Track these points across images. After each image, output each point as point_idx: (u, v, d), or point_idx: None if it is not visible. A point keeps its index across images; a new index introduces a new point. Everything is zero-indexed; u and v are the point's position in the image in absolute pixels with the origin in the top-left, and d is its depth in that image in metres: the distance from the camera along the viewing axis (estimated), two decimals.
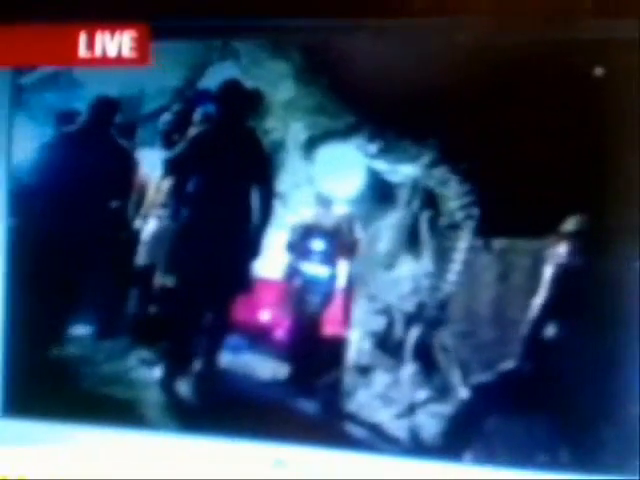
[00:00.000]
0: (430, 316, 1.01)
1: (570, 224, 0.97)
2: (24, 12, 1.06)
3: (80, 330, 1.13)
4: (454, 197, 1.00)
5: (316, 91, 1.05)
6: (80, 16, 1.05)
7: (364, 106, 1.02)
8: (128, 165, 1.12)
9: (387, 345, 1.03)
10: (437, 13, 1.00)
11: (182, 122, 1.11)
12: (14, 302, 1.12)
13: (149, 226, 1.12)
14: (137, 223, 1.12)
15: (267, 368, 1.07)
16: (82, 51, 1.06)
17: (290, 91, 1.06)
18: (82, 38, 1.06)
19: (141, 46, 1.05)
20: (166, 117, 1.11)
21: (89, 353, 1.12)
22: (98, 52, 1.06)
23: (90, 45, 1.06)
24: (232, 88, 1.08)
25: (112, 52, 1.06)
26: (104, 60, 1.06)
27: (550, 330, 0.98)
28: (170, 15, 1.04)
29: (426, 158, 1.01)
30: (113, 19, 1.05)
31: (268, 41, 1.05)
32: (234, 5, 1.03)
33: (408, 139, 1.01)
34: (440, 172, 1.01)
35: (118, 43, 1.05)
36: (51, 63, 1.09)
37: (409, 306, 1.02)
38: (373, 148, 1.03)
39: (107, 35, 1.05)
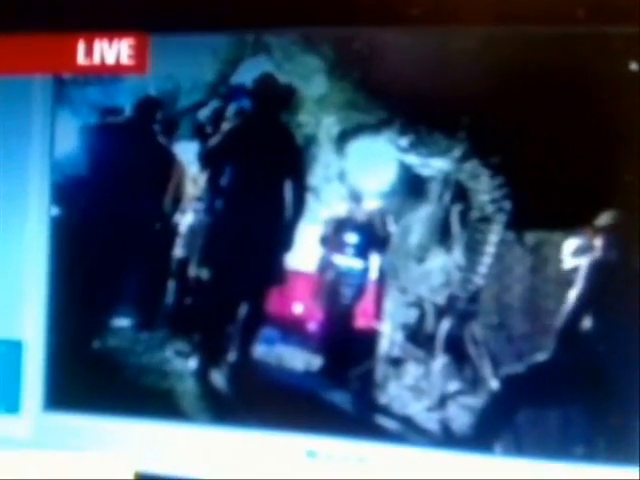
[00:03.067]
0: (461, 308, 1.04)
1: (605, 218, 0.99)
2: (22, 21, 1.10)
3: (121, 322, 1.17)
4: (485, 190, 1.03)
5: (348, 86, 1.08)
6: (79, 24, 1.09)
7: (395, 100, 1.05)
8: (167, 160, 1.16)
9: (418, 337, 1.06)
10: (435, 20, 1.02)
11: (217, 117, 1.14)
12: (56, 294, 1.17)
13: (186, 219, 1.16)
14: (175, 216, 1.16)
15: (300, 360, 1.10)
16: (81, 59, 1.11)
17: (322, 86, 1.09)
18: (81, 46, 1.10)
19: (139, 54, 1.09)
20: (202, 112, 1.14)
21: (129, 345, 1.16)
22: (96, 60, 1.10)
23: (89, 53, 1.10)
24: (266, 83, 1.11)
25: (110, 60, 1.10)
26: (102, 68, 1.11)
27: (584, 323, 1.00)
28: (170, 26, 1.07)
29: (457, 152, 1.03)
30: (112, 27, 1.09)
31: (300, 36, 1.09)
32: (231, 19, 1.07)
33: (439, 133, 1.04)
34: (471, 166, 1.03)
35: (116, 51, 1.10)
36: (50, 71, 1.13)
37: (440, 299, 1.05)
38: (404, 142, 1.06)
39: (105, 43, 1.10)
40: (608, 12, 0.97)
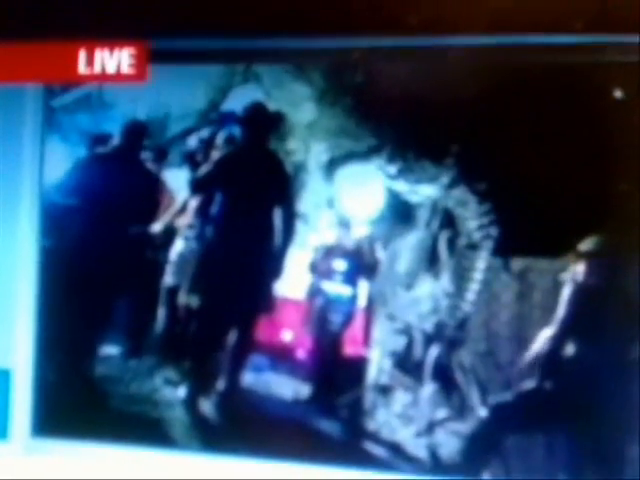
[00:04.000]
0: (449, 336, 1.07)
1: (588, 244, 1.02)
2: (25, 29, 1.12)
3: (109, 350, 1.20)
4: (473, 217, 1.06)
5: (337, 113, 1.11)
6: (80, 33, 1.11)
7: (384, 127, 1.09)
8: (156, 187, 1.20)
9: (407, 365, 1.09)
10: (432, 30, 1.04)
11: (207, 144, 1.18)
12: (45, 322, 1.19)
13: (176, 247, 1.19)
14: (165, 244, 1.19)
15: (289, 388, 1.13)
16: (82, 68, 1.13)
17: (312, 113, 1.12)
18: (82, 55, 1.12)
19: (139, 63, 1.12)
20: (192, 139, 1.18)
21: (117, 373, 1.19)
22: (97, 69, 1.12)
23: (90, 62, 1.12)
24: (256, 110, 1.15)
25: (111, 69, 1.12)
26: (103, 77, 1.13)
27: (569, 349, 1.03)
28: (170, 34, 1.10)
29: (445, 179, 1.07)
30: (112, 36, 1.11)
31: (290, 64, 1.12)
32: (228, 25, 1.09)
33: (427, 160, 1.07)
34: (459, 192, 1.07)
35: (117, 60, 1.12)
36: (52, 79, 1.16)
37: (428, 326, 1.08)
38: (393, 169, 1.09)
39: (106, 52, 1.12)
40: (605, 26, 1.00)
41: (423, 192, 1.08)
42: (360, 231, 1.12)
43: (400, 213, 1.10)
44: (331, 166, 1.12)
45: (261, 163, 1.16)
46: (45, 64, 1.14)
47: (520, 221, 1.04)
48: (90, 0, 1.11)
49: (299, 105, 1.13)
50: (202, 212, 1.18)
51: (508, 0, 1.02)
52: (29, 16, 1.12)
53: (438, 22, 1.04)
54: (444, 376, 1.07)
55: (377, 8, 1.05)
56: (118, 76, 1.13)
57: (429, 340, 1.08)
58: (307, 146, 1.13)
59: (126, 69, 1.12)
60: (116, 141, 1.21)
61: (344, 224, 1.13)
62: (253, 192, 1.17)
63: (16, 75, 1.15)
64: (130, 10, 1.09)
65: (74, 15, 1.11)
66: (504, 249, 1.05)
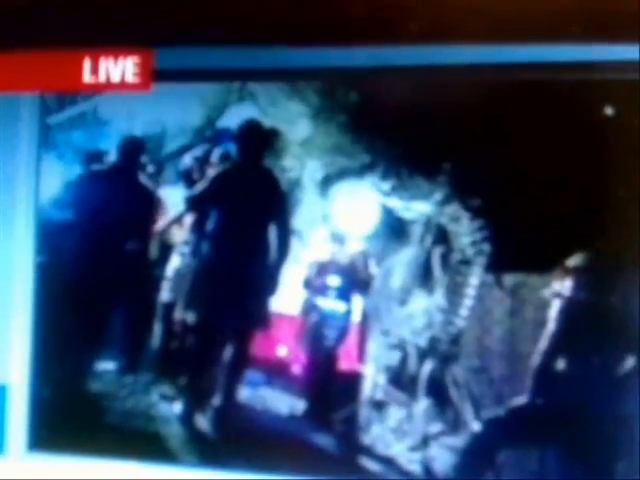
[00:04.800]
0: (443, 351, 1.09)
1: (581, 259, 1.04)
2: (29, 38, 1.13)
3: (105, 365, 1.22)
4: (466, 233, 1.09)
5: (332, 130, 1.14)
6: (84, 42, 1.13)
7: (378, 145, 1.11)
8: (153, 204, 1.22)
9: (401, 380, 1.11)
10: (433, 38, 1.05)
11: (203, 161, 1.20)
12: (40, 338, 1.21)
13: (172, 263, 1.21)
14: (162, 260, 1.21)
15: (284, 403, 1.15)
16: (86, 77, 1.14)
17: (306, 131, 1.15)
18: (86, 64, 1.14)
19: (144, 71, 1.13)
20: (188, 156, 1.20)
21: (113, 388, 1.21)
22: (102, 77, 1.14)
23: (94, 70, 1.14)
24: (251, 128, 1.17)
25: (116, 77, 1.14)
26: (108, 86, 1.14)
27: (561, 364, 1.05)
28: (174, 44, 1.11)
29: (438, 195, 1.09)
30: (117, 45, 1.13)
31: (285, 82, 1.15)
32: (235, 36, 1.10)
33: (420, 177, 1.10)
34: (452, 209, 1.09)
35: (122, 69, 1.13)
36: (57, 88, 1.17)
37: (422, 341, 1.11)
38: (387, 186, 1.11)
39: (111, 61, 1.13)
40: (603, 30, 1.01)
41: (417, 208, 1.11)
42: (354, 247, 1.14)
43: (394, 229, 1.12)
44: (326, 183, 1.14)
45: (256, 180, 1.18)
46: (49, 73, 1.15)
47: (513, 237, 1.06)
48: (94, 9, 1.12)
49: (294, 123, 1.15)
50: (198, 228, 1.20)
51: (501, 7, 1.04)
52: (33, 25, 1.13)
53: (430, 31, 1.05)
54: (438, 391, 1.09)
55: (374, 21, 1.07)
56: (123, 85, 1.14)
57: (423, 355, 1.10)
58: (302, 163, 1.15)
59: (131, 78, 1.14)
60: (112, 158, 1.23)
61: (338, 240, 1.15)
62: (248, 209, 1.19)
63: (20, 84, 1.17)
64: (134, 19, 1.11)
65: (78, 24, 1.12)
66: (497, 265, 1.07)
